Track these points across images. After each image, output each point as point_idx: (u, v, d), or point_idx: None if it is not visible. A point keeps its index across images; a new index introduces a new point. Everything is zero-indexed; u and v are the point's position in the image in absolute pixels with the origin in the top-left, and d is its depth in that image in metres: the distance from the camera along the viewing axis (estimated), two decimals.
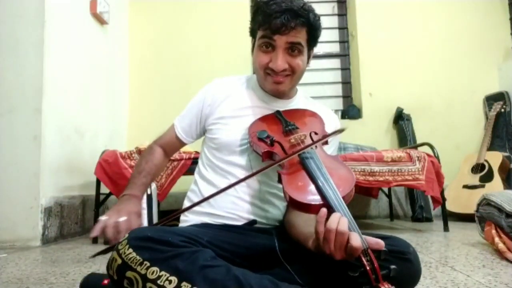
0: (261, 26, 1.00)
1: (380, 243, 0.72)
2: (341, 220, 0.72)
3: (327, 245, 0.72)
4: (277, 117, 1.05)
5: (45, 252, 1.84)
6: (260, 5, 1.01)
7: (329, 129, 1.03)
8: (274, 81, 1.03)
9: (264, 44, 1.01)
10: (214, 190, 1.00)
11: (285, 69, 1.01)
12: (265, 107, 1.09)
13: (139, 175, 1.10)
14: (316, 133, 0.98)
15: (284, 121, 1.02)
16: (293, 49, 1.00)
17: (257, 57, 1.04)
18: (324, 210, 0.75)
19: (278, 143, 0.95)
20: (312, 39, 1.04)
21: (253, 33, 1.07)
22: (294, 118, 1.04)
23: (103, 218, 0.90)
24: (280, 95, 1.10)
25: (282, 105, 1.10)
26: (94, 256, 0.90)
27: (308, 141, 0.95)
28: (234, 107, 1.09)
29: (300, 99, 1.16)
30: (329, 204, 0.77)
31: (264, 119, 1.05)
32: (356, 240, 0.70)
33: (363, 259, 0.71)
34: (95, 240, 2.10)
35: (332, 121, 1.13)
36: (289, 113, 1.06)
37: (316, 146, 0.95)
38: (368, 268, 0.70)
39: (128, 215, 0.93)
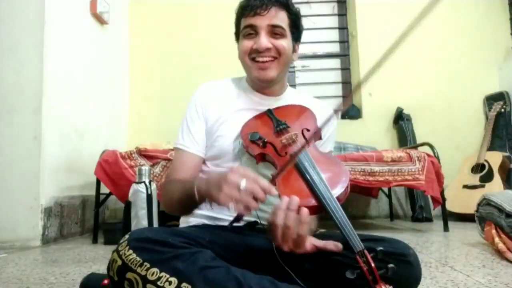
0: (243, 13, 1.02)
1: (338, 246, 0.78)
2: (288, 215, 0.75)
3: (274, 237, 0.77)
4: (269, 116, 1.04)
5: (45, 252, 1.84)
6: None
7: (321, 122, 1.01)
8: (260, 67, 1.02)
9: (247, 32, 1.03)
10: None
11: (270, 48, 1.01)
12: (255, 108, 1.08)
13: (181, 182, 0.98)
14: (308, 130, 0.98)
15: (276, 121, 1.02)
16: (275, 31, 1.01)
17: (241, 44, 1.05)
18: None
19: (271, 144, 0.95)
20: (294, 26, 1.05)
21: (237, 30, 1.09)
22: (285, 116, 1.03)
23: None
24: (269, 86, 1.08)
25: (273, 103, 1.09)
26: (231, 224, 0.82)
27: (300, 139, 0.95)
28: (224, 111, 1.08)
29: (290, 95, 1.15)
30: (323, 205, 0.79)
31: (255, 119, 1.05)
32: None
33: (360, 260, 0.71)
34: (95, 240, 2.11)
35: (323, 113, 1.08)
36: (280, 110, 1.06)
37: (309, 145, 0.94)
38: (365, 269, 0.70)
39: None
